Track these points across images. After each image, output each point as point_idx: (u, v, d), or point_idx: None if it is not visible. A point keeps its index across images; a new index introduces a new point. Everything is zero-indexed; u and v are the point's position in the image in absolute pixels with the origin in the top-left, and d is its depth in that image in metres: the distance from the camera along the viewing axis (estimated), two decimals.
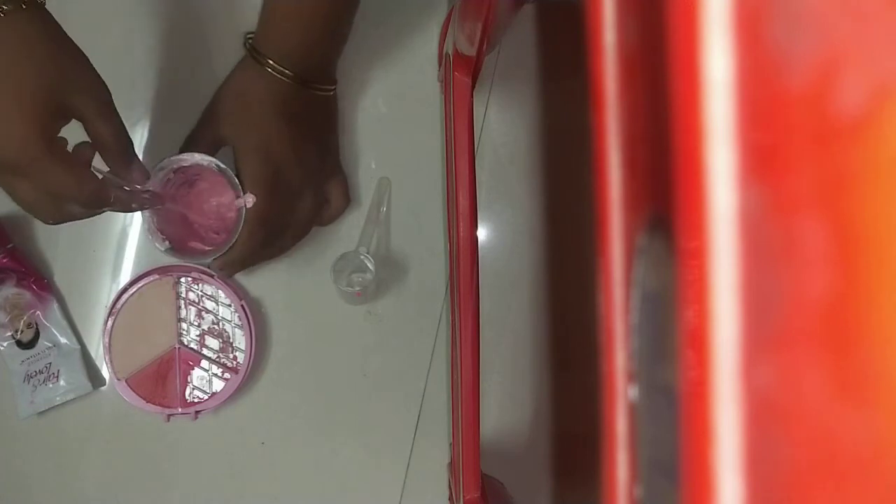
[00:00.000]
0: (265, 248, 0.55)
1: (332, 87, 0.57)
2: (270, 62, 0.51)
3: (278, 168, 0.53)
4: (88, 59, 0.44)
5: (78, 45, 0.44)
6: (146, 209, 0.52)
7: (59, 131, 0.43)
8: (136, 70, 0.60)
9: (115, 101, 0.46)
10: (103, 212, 0.47)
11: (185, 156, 0.53)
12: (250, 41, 0.53)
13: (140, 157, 0.50)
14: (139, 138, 0.60)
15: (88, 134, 0.45)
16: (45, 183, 0.42)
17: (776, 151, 0.13)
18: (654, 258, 0.17)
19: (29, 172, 0.41)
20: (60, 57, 0.42)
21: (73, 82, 0.42)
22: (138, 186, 0.50)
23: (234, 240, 0.52)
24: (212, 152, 0.53)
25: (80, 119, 0.44)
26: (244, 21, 0.57)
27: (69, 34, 0.44)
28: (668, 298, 0.15)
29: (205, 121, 0.56)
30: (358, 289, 0.56)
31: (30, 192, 0.42)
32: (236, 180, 0.52)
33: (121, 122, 0.46)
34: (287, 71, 0.52)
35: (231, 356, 0.58)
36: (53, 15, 0.43)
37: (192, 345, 0.58)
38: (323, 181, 0.57)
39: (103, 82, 0.45)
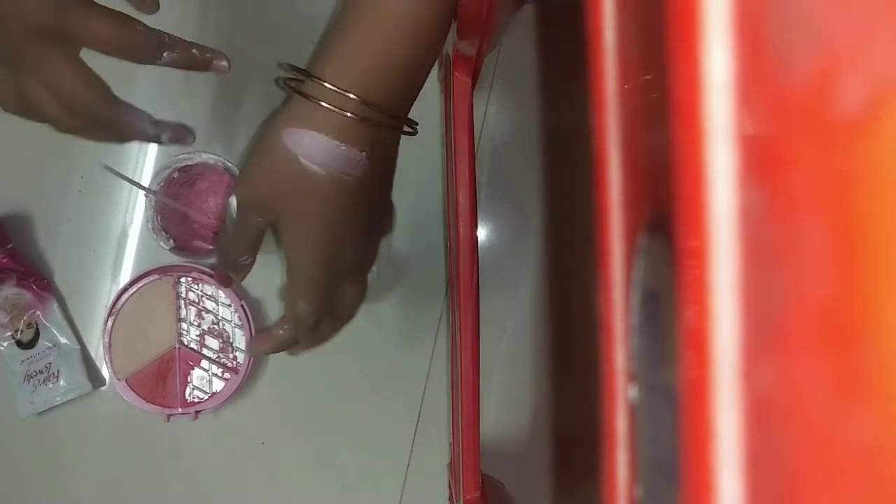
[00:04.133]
0: (307, 337, 0.45)
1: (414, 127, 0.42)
2: (329, 86, 0.37)
3: (331, 257, 0.41)
4: None
5: None
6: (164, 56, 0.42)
7: None
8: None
9: (119, 97, 0.42)
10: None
11: (192, 154, 0.53)
12: (294, 78, 0.39)
13: (146, 157, 0.50)
14: None
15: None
16: (84, 36, 0.37)
17: (776, 151, 0.13)
18: (654, 258, 0.17)
19: (64, 27, 0.36)
20: None
21: None
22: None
23: None
24: (257, 246, 0.43)
25: None
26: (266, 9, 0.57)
27: None
28: (668, 299, 0.15)
29: (244, 206, 0.41)
30: None
31: (61, 70, 0.37)
32: None
33: None
34: (353, 97, 0.37)
35: (231, 356, 0.58)
36: None
37: (192, 345, 0.58)
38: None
39: None
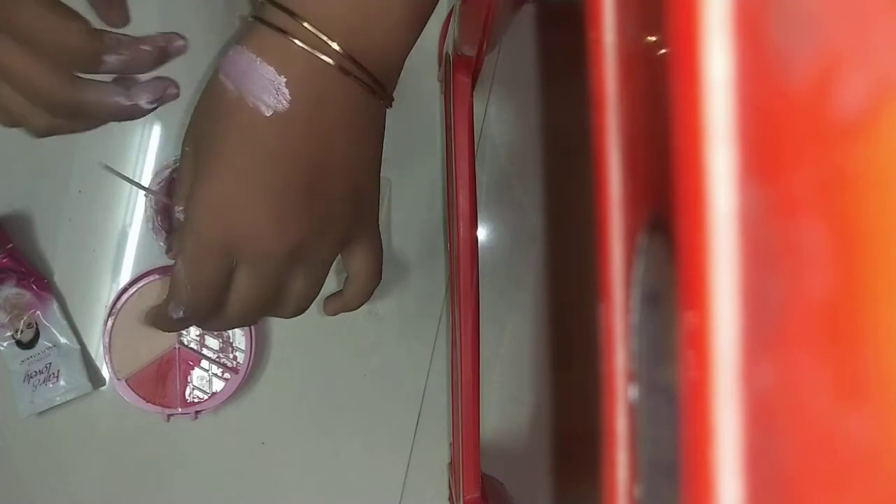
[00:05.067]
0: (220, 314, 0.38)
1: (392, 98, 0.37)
2: (308, 26, 0.32)
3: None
4: None
5: None
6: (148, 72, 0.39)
7: None
8: None
9: (79, 77, 0.38)
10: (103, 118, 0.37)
11: None
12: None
13: (146, 157, 0.49)
14: (143, 138, 0.60)
15: None
16: (8, 27, 0.33)
17: (776, 151, 0.13)
18: (654, 258, 0.17)
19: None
20: None
21: None
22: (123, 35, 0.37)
23: None
24: None
25: None
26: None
27: None
28: (668, 298, 0.15)
29: (182, 152, 0.38)
30: None
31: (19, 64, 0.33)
32: None
33: None
34: (336, 47, 0.32)
35: (231, 356, 0.58)
36: None
37: (192, 345, 0.58)
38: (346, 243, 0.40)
39: None
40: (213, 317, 0.37)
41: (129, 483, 0.60)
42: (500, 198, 0.61)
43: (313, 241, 0.36)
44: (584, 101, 0.20)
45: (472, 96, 0.51)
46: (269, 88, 0.32)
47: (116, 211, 0.60)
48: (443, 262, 0.60)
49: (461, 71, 0.51)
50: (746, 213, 0.13)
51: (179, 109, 0.58)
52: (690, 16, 0.13)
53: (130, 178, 0.57)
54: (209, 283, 0.35)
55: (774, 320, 0.13)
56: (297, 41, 0.32)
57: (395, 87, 0.37)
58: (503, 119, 0.61)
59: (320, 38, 0.32)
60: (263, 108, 0.32)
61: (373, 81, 0.34)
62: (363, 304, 0.43)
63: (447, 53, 0.54)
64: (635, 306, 0.18)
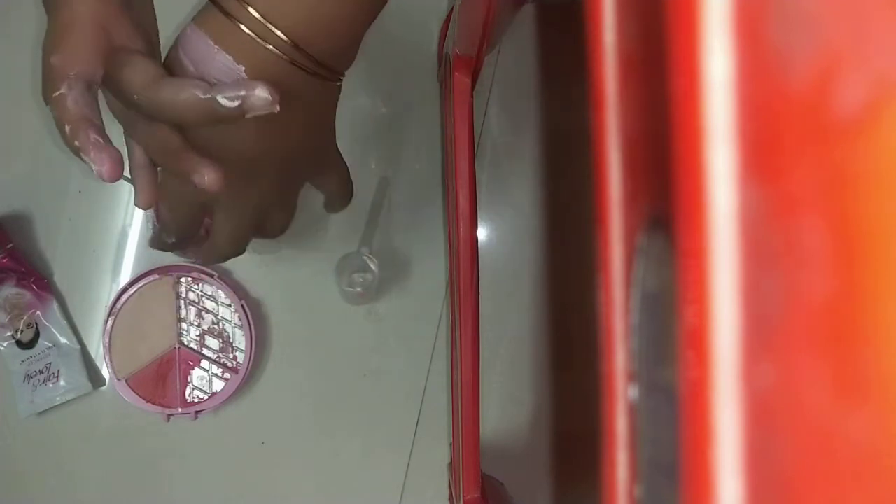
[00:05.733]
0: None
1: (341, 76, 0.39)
2: (253, 12, 0.33)
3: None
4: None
5: None
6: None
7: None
8: None
9: None
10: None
11: None
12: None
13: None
14: None
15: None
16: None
17: (776, 151, 0.13)
18: (654, 258, 0.17)
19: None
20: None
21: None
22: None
23: None
24: None
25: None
26: None
27: None
28: (668, 298, 0.15)
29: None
30: (360, 290, 0.56)
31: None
32: None
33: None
34: (281, 35, 0.33)
35: (231, 356, 0.58)
36: None
37: (192, 345, 0.58)
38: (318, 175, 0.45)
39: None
40: (202, 244, 0.44)
41: (129, 483, 0.60)
42: (500, 198, 0.61)
43: (278, 193, 0.42)
44: (584, 102, 0.20)
45: (472, 96, 0.51)
46: (229, 75, 0.34)
47: (116, 211, 0.60)
48: (443, 262, 0.60)
49: (461, 71, 0.51)
50: (746, 213, 0.13)
51: None
52: (690, 16, 0.13)
53: (131, 178, 0.57)
54: (188, 217, 0.41)
55: (774, 320, 0.13)
56: (243, 27, 0.33)
57: (352, 62, 0.38)
58: (503, 119, 0.61)
59: (265, 26, 0.33)
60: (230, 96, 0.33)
61: (320, 67, 0.35)
62: (345, 207, 0.49)
63: (447, 53, 0.54)
64: (635, 306, 0.18)
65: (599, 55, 0.19)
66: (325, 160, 0.44)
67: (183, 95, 0.33)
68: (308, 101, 0.37)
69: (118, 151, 0.34)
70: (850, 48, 0.12)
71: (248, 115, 0.33)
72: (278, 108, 0.33)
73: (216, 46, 0.34)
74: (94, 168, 0.33)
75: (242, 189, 0.39)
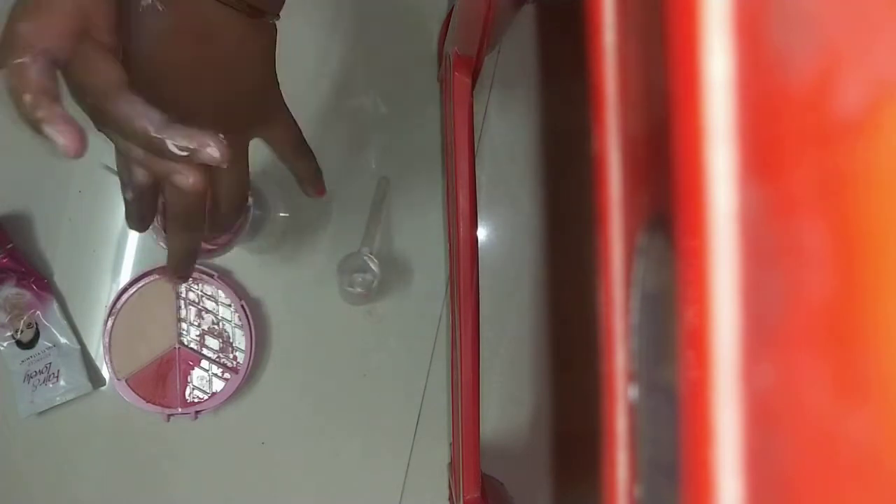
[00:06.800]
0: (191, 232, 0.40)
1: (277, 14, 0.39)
2: None
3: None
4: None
5: None
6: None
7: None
8: None
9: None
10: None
11: None
12: None
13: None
14: None
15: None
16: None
17: (776, 151, 0.13)
18: (654, 258, 0.17)
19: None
20: None
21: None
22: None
23: (237, 240, 0.52)
24: None
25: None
26: None
27: None
28: (668, 298, 0.15)
29: None
30: (361, 290, 0.56)
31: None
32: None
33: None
34: None
35: (231, 356, 0.58)
36: None
37: (192, 345, 0.58)
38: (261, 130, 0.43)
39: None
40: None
41: (129, 483, 0.60)
42: (500, 198, 0.61)
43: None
44: (584, 101, 0.20)
45: (472, 96, 0.51)
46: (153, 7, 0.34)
47: (116, 211, 0.60)
48: (443, 262, 0.60)
49: (461, 71, 0.51)
50: (746, 213, 0.13)
51: None
52: (690, 16, 0.13)
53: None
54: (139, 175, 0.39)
55: (774, 320, 0.13)
56: None
57: (282, 3, 0.38)
58: (503, 119, 0.61)
59: None
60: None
61: (250, 8, 0.36)
62: (308, 165, 0.46)
63: (447, 53, 0.54)
64: (635, 306, 0.18)
65: (599, 55, 0.19)
66: (266, 107, 0.42)
67: (136, 124, 0.33)
68: (238, 41, 0.37)
69: (82, 127, 0.33)
70: (850, 48, 0.12)
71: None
72: (226, 165, 0.33)
73: None
74: (60, 142, 0.32)
75: None
